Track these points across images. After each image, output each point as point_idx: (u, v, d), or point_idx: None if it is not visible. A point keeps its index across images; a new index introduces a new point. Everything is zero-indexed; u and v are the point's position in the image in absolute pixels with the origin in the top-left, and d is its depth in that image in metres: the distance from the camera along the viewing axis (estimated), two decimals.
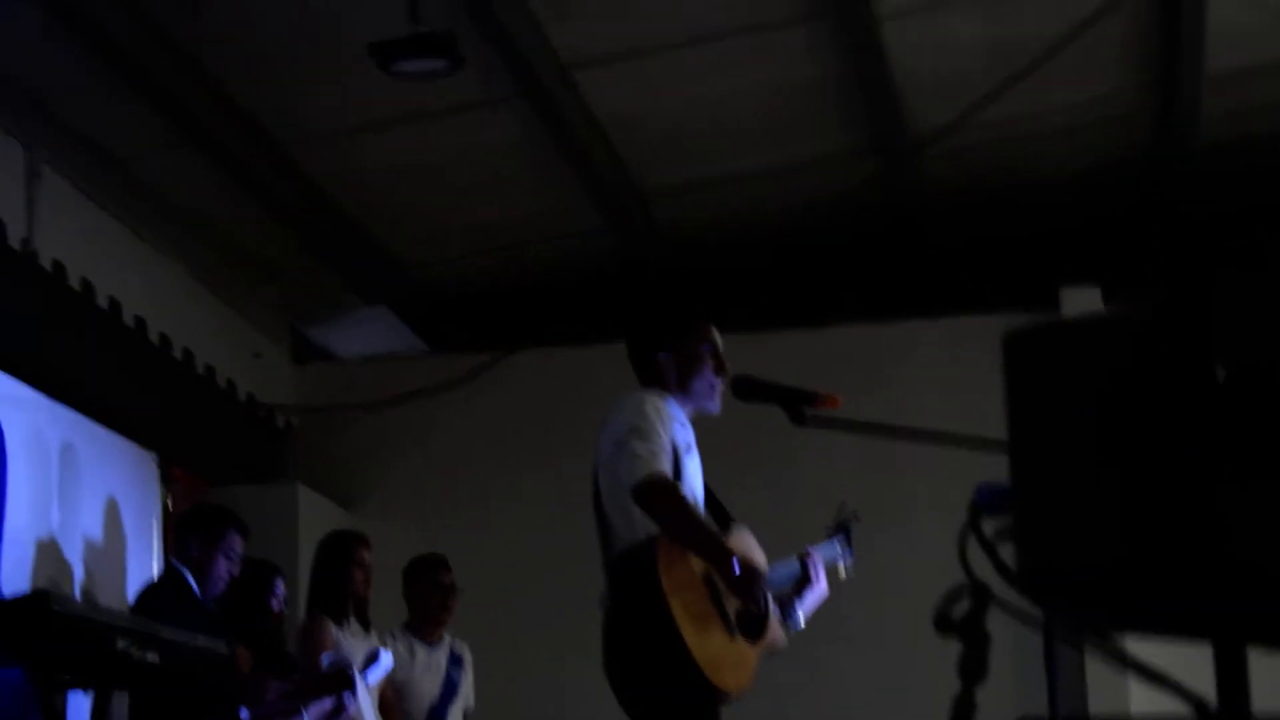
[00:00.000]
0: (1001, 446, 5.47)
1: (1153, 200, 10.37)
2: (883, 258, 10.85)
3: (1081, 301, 10.17)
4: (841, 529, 6.53)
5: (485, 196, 10.01)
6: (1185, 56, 8.91)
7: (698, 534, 5.84)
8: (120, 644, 5.90)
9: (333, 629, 8.19)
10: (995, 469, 3.04)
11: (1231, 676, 2.56)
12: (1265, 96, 9.60)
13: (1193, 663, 2.67)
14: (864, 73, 8.94)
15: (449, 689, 8.60)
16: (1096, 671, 9.61)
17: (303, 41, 8.33)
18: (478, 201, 10.07)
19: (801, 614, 6.33)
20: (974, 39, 8.91)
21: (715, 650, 5.74)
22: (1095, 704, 9.60)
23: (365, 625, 8.46)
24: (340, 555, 8.44)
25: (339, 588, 8.32)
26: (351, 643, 8.19)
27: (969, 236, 10.63)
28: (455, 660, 8.69)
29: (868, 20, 8.43)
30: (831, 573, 6.43)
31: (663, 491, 5.78)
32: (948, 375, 10.47)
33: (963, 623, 2.57)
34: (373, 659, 8.02)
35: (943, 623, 2.57)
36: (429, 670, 8.60)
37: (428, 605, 8.68)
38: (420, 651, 8.62)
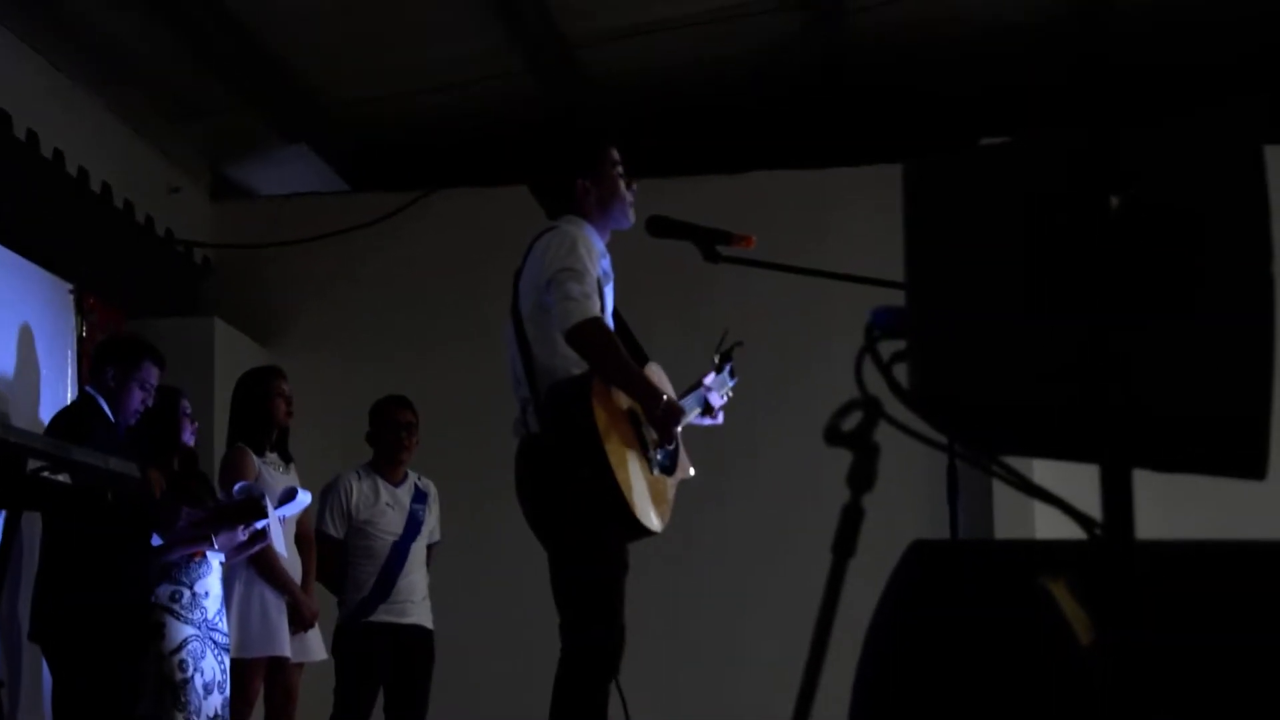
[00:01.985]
0: (894, 285, 5.53)
1: (1077, 55, 10.39)
2: (808, 108, 10.87)
3: None
4: (726, 359, 6.61)
5: (410, 37, 9.94)
6: None
7: (628, 374, 5.93)
8: (31, 464, 5.91)
9: (254, 460, 8.25)
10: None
11: (1118, 498, 2.63)
12: None
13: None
14: None
15: (412, 525, 8.67)
16: (1002, 495, 9.75)
17: None
18: (403, 42, 9.99)
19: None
20: None
21: (639, 485, 5.86)
22: (1001, 529, 9.75)
23: (286, 458, 8.51)
24: (260, 387, 8.49)
25: (260, 419, 8.36)
26: (273, 474, 8.28)
27: (895, 88, 10.65)
28: (419, 496, 8.77)
29: None
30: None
31: (597, 334, 5.88)
32: (868, 220, 10.52)
33: (852, 434, 2.63)
34: (289, 496, 8.07)
35: (833, 435, 2.63)
36: (392, 507, 8.66)
37: (389, 443, 8.75)
38: (384, 490, 8.69)
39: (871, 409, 2.63)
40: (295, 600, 8.26)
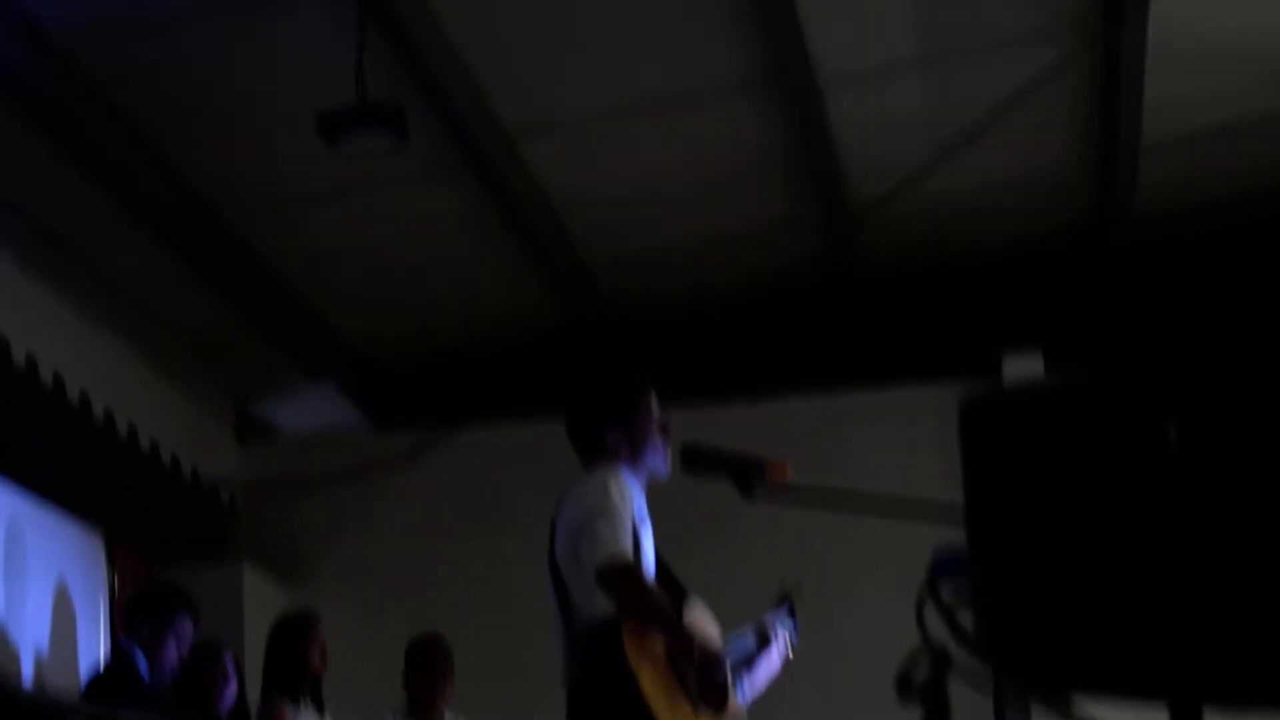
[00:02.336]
0: (949, 513, 5.49)
1: (1092, 266, 10.44)
2: (826, 328, 10.88)
3: (1024, 367, 10.22)
4: (785, 601, 6.54)
5: (431, 270, 10.00)
6: (1123, 125, 9.00)
7: (658, 616, 5.87)
8: None
9: (289, 711, 8.14)
10: (942, 538, 3.05)
11: None
12: (1200, 165, 9.69)
13: None
14: (807, 142, 8.99)
15: None
16: None
17: (249, 115, 8.35)
18: (423, 275, 10.06)
19: (748, 687, 6.35)
20: (914, 108, 8.99)
21: None
22: None
23: (319, 705, 8.41)
24: (297, 634, 8.41)
25: (296, 668, 8.27)
26: None
27: (912, 305, 10.67)
28: None
29: (810, 89, 8.48)
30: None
31: (625, 574, 5.83)
32: (894, 445, 10.49)
33: (924, 688, 2.57)
34: None
35: (904, 687, 2.58)
36: None
37: (423, 685, 8.66)
38: None
39: (942, 661, 2.57)
40: None
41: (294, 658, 8.30)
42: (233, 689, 7.85)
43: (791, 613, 6.54)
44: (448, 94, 8.13)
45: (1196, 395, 2.57)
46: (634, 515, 5.97)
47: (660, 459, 6.19)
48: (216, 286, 9.81)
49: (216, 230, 9.22)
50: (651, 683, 5.70)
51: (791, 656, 6.53)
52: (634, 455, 6.16)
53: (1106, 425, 2.62)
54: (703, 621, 6.10)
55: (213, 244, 9.33)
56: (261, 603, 9.63)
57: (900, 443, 10.46)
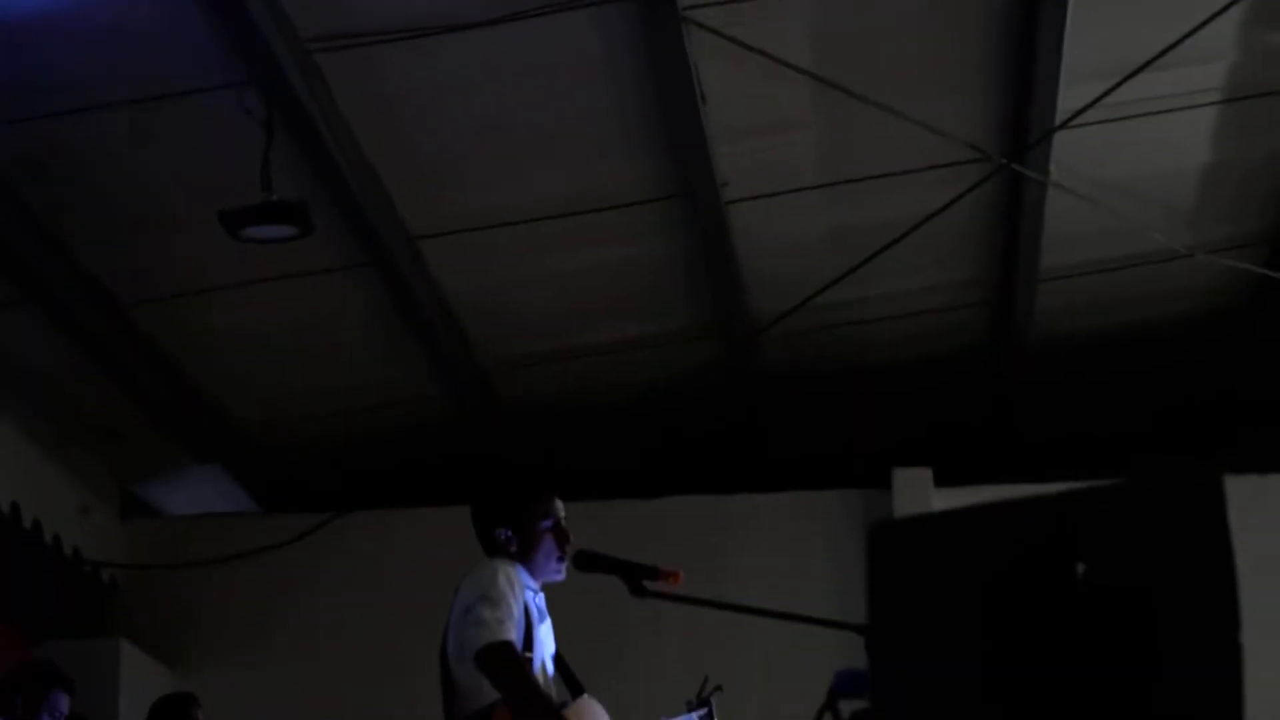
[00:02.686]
0: (835, 624, 5.54)
1: (985, 388, 10.59)
2: (723, 433, 10.97)
3: (913, 482, 10.36)
4: (704, 704, 6.55)
5: (327, 362, 10.01)
6: (1022, 254, 9.16)
7: (536, 703, 5.87)
8: None
9: None
10: (826, 643, 3.11)
11: None
12: (1094, 294, 9.88)
13: None
14: (711, 255, 9.09)
15: None
16: None
17: (152, 205, 8.35)
18: (319, 366, 10.06)
19: None
20: (818, 227, 9.12)
21: None
22: None
23: None
24: (174, 715, 8.34)
25: None
26: None
27: (807, 415, 10.78)
28: None
29: (716, 204, 8.58)
30: None
31: (505, 660, 5.82)
32: (783, 548, 10.61)
33: None
34: None
35: None
36: None
37: None
38: None
39: None
40: None
41: None
42: None
43: (710, 716, 6.55)
44: (354, 194, 8.17)
45: (1107, 535, 2.61)
46: (528, 607, 5.99)
47: (555, 566, 6.22)
48: (110, 371, 9.74)
49: (113, 316, 9.17)
50: None
51: None
52: (525, 554, 6.19)
53: (1016, 558, 2.66)
54: (590, 716, 6.11)
55: (108, 329, 9.27)
56: (139, 680, 9.53)
57: (789, 544, 10.59)
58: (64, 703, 7.50)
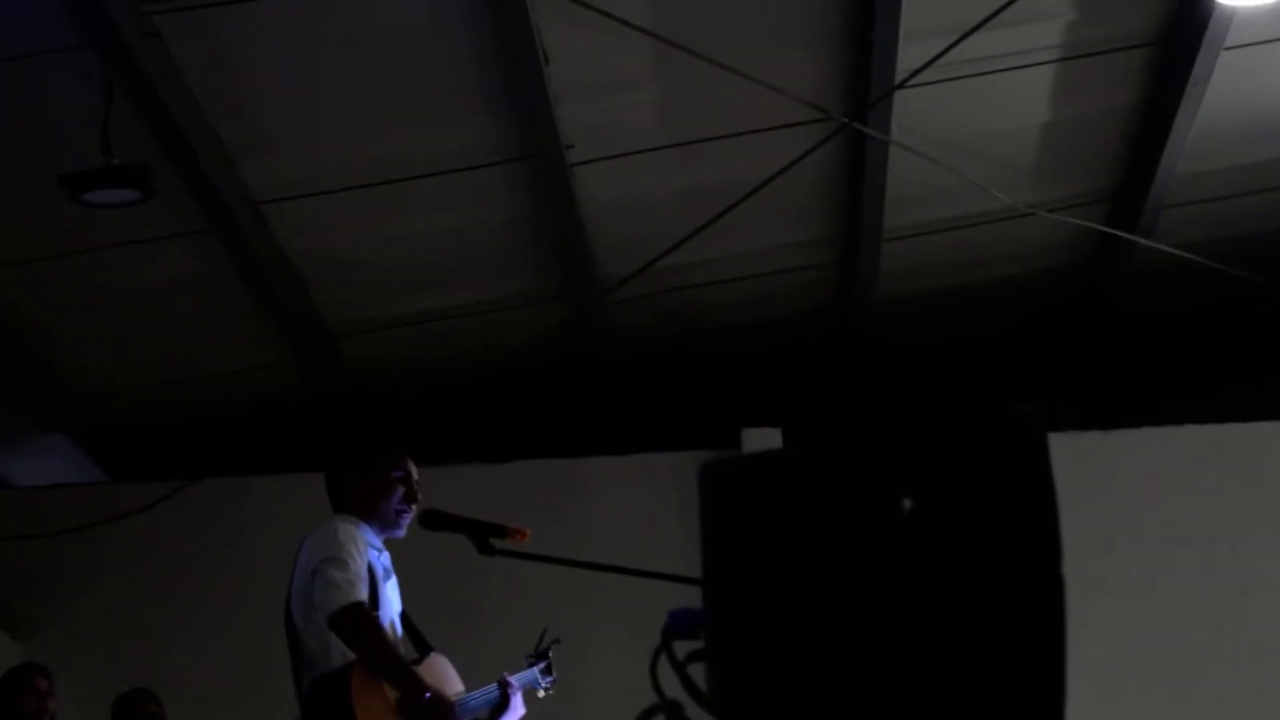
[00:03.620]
0: (684, 580, 5.59)
1: (832, 348, 10.67)
2: (572, 397, 10.99)
3: (762, 442, 10.41)
4: (542, 657, 6.60)
5: (173, 328, 9.93)
6: (866, 213, 9.23)
7: (391, 662, 5.90)
8: None
9: None
10: (677, 601, 3.14)
11: None
12: (938, 253, 9.98)
13: None
14: (557, 217, 9.10)
15: None
16: None
17: None
18: (165, 333, 9.97)
19: None
20: (664, 188, 9.14)
21: None
22: None
23: None
24: (13, 686, 8.28)
25: (14, 717, 8.12)
26: None
27: (656, 378, 10.82)
28: None
29: (561, 166, 8.58)
30: (530, 695, 6.50)
31: (358, 619, 5.85)
32: (633, 509, 10.65)
33: None
34: None
35: None
36: None
37: None
38: None
39: (674, 715, 2.65)
40: None
41: (10, 709, 8.15)
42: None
43: (548, 670, 6.60)
44: (195, 158, 8.11)
45: (936, 465, 2.64)
46: (373, 566, 6.02)
47: (397, 519, 6.24)
48: None
49: None
50: None
51: (542, 699, 6.58)
52: (370, 506, 6.21)
53: (843, 494, 2.68)
54: (441, 675, 6.15)
55: None
56: None
57: (640, 505, 10.63)
58: None
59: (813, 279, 10.11)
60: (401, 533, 6.28)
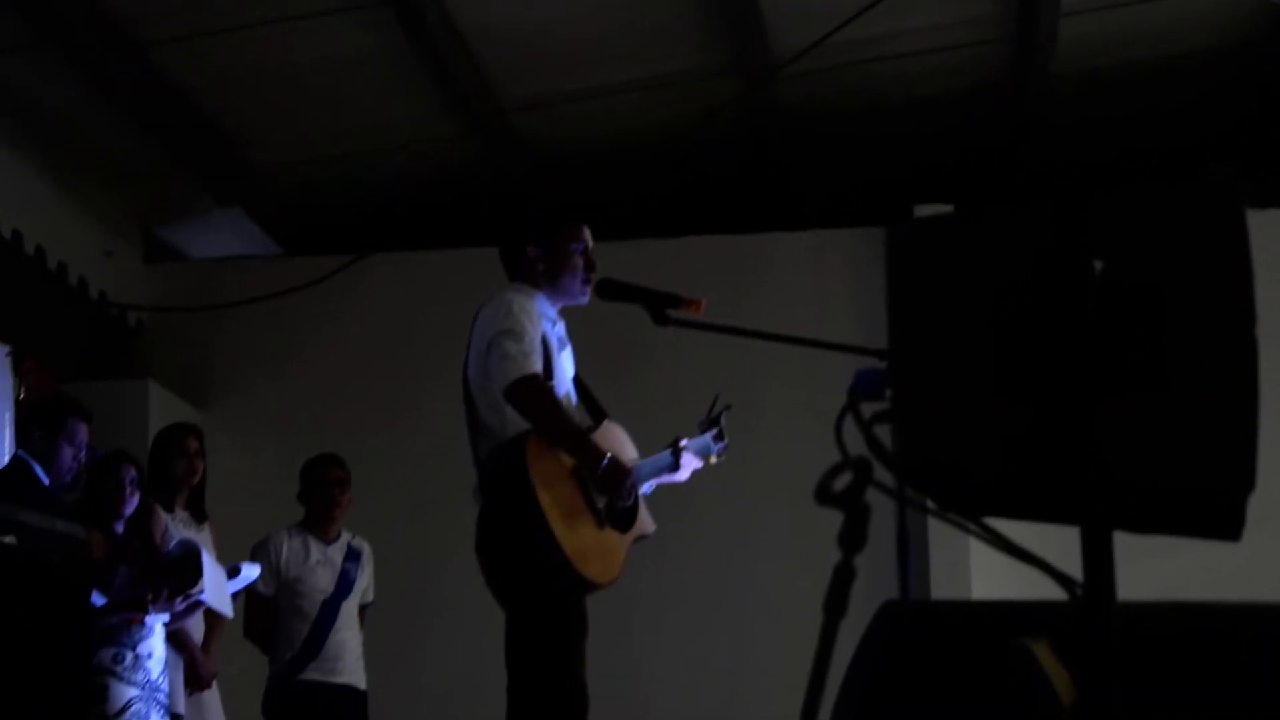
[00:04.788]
0: (853, 350, 5.58)
1: (1008, 125, 10.53)
2: (743, 173, 10.95)
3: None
4: (715, 423, 6.64)
5: (347, 103, 9.98)
6: None
7: (566, 432, 5.97)
8: None
9: (162, 516, 8.17)
10: (846, 375, 3.14)
11: (1098, 559, 2.66)
12: (1117, 27, 9.78)
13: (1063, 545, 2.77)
14: None
15: (344, 583, 8.57)
16: (939, 555, 9.83)
17: None
18: (339, 107, 10.03)
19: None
20: None
21: (583, 542, 5.88)
22: (937, 591, 9.82)
23: (199, 517, 8.45)
24: (164, 444, 8.44)
25: (164, 475, 8.28)
26: (182, 531, 8.18)
27: (828, 154, 10.75)
28: (352, 555, 8.66)
29: None
30: (705, 461, 6.55)
31: (534, 391, 5.92)
32: (803, 285, 10.66)
33: (844, 494, 2.65)
34: (234, 572, 8.03)
35: (824, 495, 2.65)
36: (323, 565, 8.57)
37: (319, 501, 8.66)
38: (315, 547, 8.60)
39: (863, 470, 2.66)
40: (193, 659, 8.18)
41: (162, 466, 8.32)
42: (135, 500, 7.86)
43: (720, 435, 6.64)
44: None
45: (1126, 236, 2.61)
46: (547, 337, 6.08)
47: (578, 285, 6.28)
48: (129, 110, 9.74)
49: (129, 53, 9.14)
50: (551, 502, 5.81)
51: (714, 465, 6.64)
52: (550, 277, 6.26)
53: (1030, 263, 2.66)
54: (615, 442, 6.22)
55: (126, 67, 9.25)
56: (168, 420, 9.58)
57: (811, 281, 10.64)
58: (81, 431, 7.56)
59: (989, 54, 9.95)
60: (583, 300, 6.32)
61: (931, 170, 10.74)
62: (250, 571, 8.10)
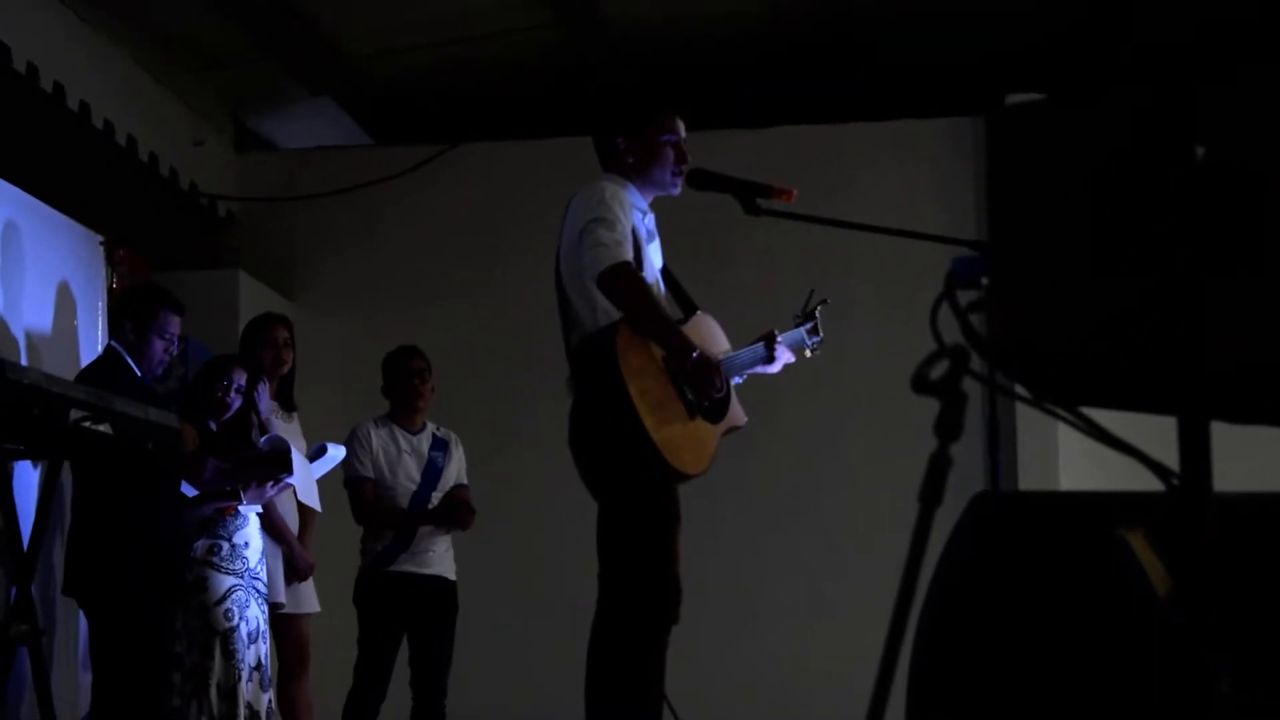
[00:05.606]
0: (945, 240, 5.53)
1: (1103, 11, 10.37)
2: (832, 65, 10.85)
3: None
4: (809, 317, 6.61)
5: None
6: None
7: (657, 321, 5.96)
8: (74, 414, 5.92)
9: (265, 409, 8.21)
10: (938, 266, 3.11)
11: (1196, 449, 2.64)
12: None
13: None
14: None
15: (431, 473, 8.60)
16: (1026, 448, 9.80)
17: None
18: None
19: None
20: None
21: (674, 433, 5.88)
22: (1025, 483, 9.79)
23: (288, 407, 8.50)
24: (253, 334, 8.49)
25: (252, 365, 8.30)
26: (274, 421, 8.23)
27: (916, 41, 10.63)
28: (438, 445, 8.68)
29: None
30: (798, 355, 6.53)
31: (626, 277, 5.90)
32: (893, 175, 10.59)
33: (940, 383, 2.63)
34: (320, 452, 8.07)
35: (921, 383, 2.64)
36: (410, 455, 8.60)
37: (403, 392, 8.68)
38: (401, 438, 8.62)
39: (960, 358, 2.63)
40: (291, 551, 8.25)
41: (250, 356, 8.35)
42: (236, 405, 7.90)
43: (815, 329, 6.61)
44: None
45: (1227, 119, 2.58)
46: (636, 228, 6.06)
47: (668, 177, 6.25)
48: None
49: None
50: (640, 392, 5.80)
51: (809, 358, 6.61)
52: (641, 168, 6.24)
53: (1131, 145, 2.63)
54: (707, 334, 6.20)
55: None
56: (258, 309, 9.58)
57: (900, 171, 10.58)
58: (173, 323, 7.61)
59: None
60: (674, 191, 6.29)
61: (1023, 59, 10.58)
62: (336, 452, 8.14)
